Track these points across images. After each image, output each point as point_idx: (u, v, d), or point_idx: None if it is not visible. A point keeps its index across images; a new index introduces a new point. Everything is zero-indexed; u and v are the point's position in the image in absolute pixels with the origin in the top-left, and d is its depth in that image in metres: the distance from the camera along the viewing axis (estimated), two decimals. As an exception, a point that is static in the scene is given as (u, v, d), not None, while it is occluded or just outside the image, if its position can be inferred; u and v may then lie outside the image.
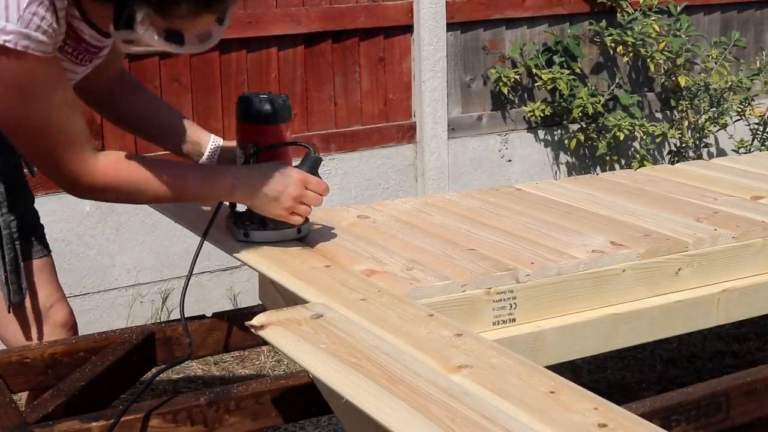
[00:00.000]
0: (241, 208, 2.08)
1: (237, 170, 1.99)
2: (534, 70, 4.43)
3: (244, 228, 2.05)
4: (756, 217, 2.32)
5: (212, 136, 2.25)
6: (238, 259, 2.05)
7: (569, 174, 4.63)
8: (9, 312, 2.12)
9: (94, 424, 1.76)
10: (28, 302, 2.16)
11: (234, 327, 2.26)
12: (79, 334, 2.26)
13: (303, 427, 3.07)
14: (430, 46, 4.20)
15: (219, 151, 2.22)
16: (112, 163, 1.89)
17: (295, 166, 2.01)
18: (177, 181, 1.92)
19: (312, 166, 2.00)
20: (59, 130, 1.82)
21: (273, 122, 2.02)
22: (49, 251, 2.22)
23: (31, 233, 2.17)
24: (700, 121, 4.65)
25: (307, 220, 2.08)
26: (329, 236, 2.14)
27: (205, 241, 2.03)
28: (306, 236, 2.11)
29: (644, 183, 2.65)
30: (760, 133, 4.72)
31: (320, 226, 2.18)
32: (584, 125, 4.53)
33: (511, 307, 1.94)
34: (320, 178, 2.01)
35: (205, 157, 2.21)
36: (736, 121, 4.70)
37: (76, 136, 1.84)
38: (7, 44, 1.70)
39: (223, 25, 1.78)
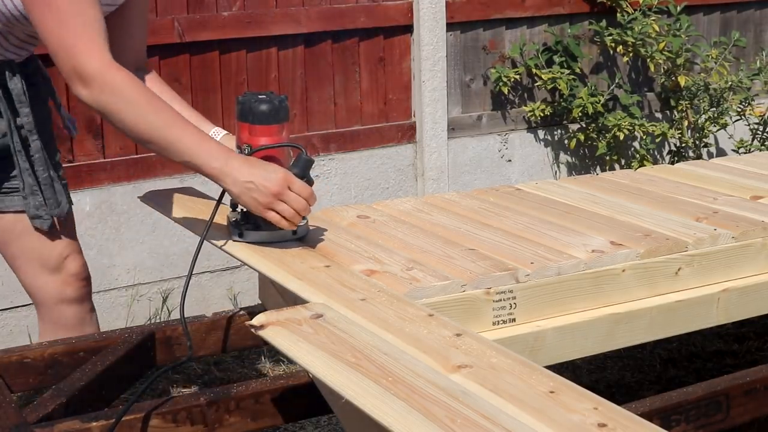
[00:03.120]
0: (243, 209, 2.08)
1: (226, 149, 2.00)
2: (534, 70, 4.42)
3: (239, 228, 2.06)
4: (756, 217, 2.32)
5: (214, 128, 2.26)
6: (238, 259, 2.05)
7: (569, 174, 4.63)
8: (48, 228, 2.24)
9: (94, 424, 1.76)
10: (46, 248, 2.26)
11: (234, 327, 2.26)
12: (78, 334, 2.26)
13: (303, 427, 3.06)
14: (430, 46, 4.20)
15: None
16: (127, 72, 1.95)
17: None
18: (173, 118, 1.96)
19: (303, 168, 2.00)
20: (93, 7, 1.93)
21: (267, 123, 2.02)
22: (72, 203, 2.35)
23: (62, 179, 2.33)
24: (699, 121, 4.65)
25: (306, 221, 2.07)
26: (329, 236, 2.14)
27: (205, 241, 2.03)
28: (304, 237, 2.10)
29: (644, 183, 2.65)
30: (760, 133, 4.72)
31: (320, 227, 2.18)
32: (584, 125, 4.53)
33: (510, 306, 1.94)
34: (311, 179, 2.00)
35: None
36: (736, 121, 4.70)
37: (100, 23, 1.94)
38: None
39: None
